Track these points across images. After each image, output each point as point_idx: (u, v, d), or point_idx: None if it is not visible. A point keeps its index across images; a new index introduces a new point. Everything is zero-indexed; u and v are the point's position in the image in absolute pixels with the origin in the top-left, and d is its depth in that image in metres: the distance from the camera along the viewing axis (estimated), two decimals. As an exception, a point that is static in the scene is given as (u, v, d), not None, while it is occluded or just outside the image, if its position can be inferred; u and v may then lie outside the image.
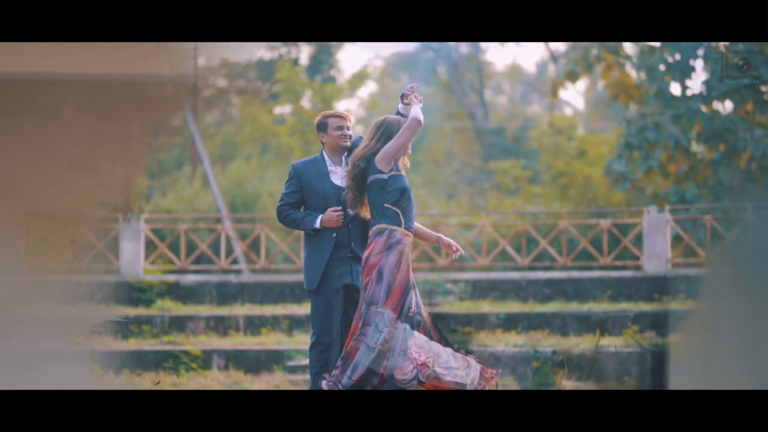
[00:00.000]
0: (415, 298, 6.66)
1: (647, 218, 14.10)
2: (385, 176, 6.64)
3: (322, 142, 7.05)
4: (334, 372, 6.55)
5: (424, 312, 6.70)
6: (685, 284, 13.38)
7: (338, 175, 6.98)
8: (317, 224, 6.88)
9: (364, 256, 6.62)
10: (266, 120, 23.01)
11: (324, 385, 6.55)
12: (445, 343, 6.66)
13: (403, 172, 6.72)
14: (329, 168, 6.98)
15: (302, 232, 7.14)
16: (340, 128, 6.99)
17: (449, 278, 14.51)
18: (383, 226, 6.62)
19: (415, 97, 6.88)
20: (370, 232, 6.66)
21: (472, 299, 14.15)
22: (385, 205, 6.63)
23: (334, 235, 6.86)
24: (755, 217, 13.14)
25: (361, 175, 6.70)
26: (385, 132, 6.75)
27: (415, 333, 6.56)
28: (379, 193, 6.65)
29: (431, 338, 6.63)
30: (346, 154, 7.02)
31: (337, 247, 6.90)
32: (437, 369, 6.49)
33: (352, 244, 6.89)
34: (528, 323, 12.78)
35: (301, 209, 7.02)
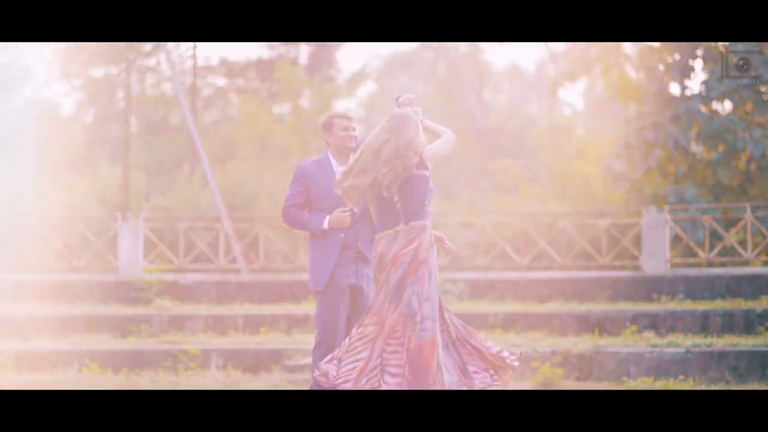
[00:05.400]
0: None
1: (646, 218, 14.09)
2: (428, 173, 6.57)
3: (327, 143, 7.02)
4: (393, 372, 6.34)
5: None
6: (684, 284, 13.37)
7: None
8: (325, 225, 6.86)
9: (404, 251, 6.46)
10: (265, 119, 22.97)
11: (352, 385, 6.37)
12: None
13: None
14: (335, 169, 6.95)
15: (304, 232, 7.08)
16: (347, 129, 6.96)
17: (448, 278, 14.49)
18: (426, 222, 6.56)
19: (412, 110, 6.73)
20: (412, 229, 6.49)
21: (470, 299, 14.14)
22: (425, 202, 6.57)
23: (342, 235, 6.83)
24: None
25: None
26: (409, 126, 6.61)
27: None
28: (426, 189, 6.58)
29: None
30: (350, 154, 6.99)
31: (344, 248, 6.87)
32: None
33: (359, 244, 6.86)
34: (526, 323, 12.77)
35: (307, 210, 6.99)
